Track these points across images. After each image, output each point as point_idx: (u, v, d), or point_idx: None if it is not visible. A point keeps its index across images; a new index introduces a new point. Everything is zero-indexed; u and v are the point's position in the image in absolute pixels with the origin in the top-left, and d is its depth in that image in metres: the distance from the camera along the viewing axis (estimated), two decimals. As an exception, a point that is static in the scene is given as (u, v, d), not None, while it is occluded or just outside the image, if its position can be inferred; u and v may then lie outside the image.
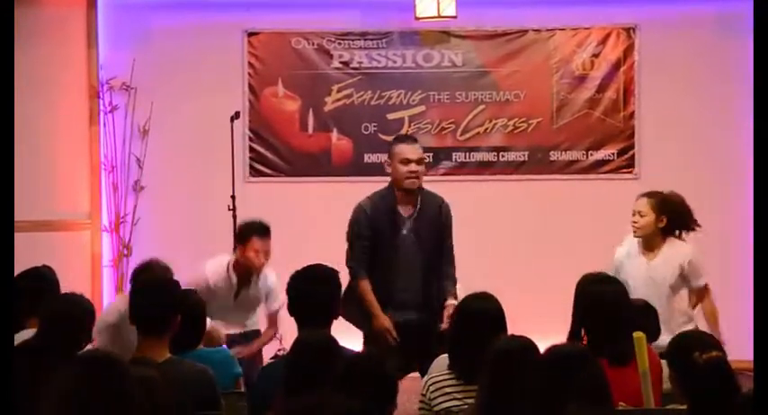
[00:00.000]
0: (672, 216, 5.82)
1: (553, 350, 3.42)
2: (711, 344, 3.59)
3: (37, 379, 3.73)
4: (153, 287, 4.38)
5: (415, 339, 5.58)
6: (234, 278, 6.08)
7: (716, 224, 8.10)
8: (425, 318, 5.69)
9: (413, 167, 5.71)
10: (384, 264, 5.72)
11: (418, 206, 5.77)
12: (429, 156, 8.44)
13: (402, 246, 5.72)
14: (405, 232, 5.73)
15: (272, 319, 6.26)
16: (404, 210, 5.77)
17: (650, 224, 5.80)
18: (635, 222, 5.82)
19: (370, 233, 5.75)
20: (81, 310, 4.34)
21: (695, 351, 3.46)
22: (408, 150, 5.75)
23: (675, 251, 5.81)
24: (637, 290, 5.51)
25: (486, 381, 3.48)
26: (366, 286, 5.72)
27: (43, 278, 5.11)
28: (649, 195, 5.90)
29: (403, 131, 8.41)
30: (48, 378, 2.98)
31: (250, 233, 6.06)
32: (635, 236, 5.86)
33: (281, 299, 5.85)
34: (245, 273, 6.10)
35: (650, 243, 5.83)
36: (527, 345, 3.59)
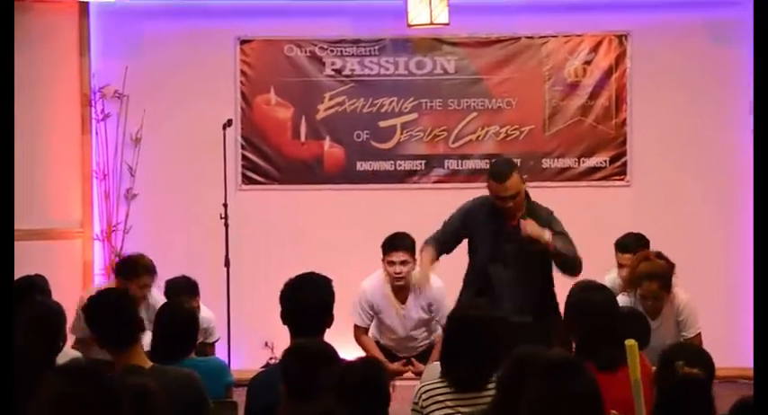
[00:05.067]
0: (671, 282, 5.77)
1: (545, 359, 3.43)
2: (702, 363, 3.62)
3: (19, 387, 3.72)
4: (108, 302, 4.34)
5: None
6: None
7: (709, 233, 8.17)
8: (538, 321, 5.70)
9: (507, 204, 5.69)
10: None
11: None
12: (421, 164, 8.48)
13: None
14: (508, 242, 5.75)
15: None
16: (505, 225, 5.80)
17: (665, 300, 5.73)
18: (650, 305, 5.69)
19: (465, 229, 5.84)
20: (56, 314, 4.37)
21: (680, 360, 3.50)
22: (500, 189, 5.69)
23: (672, 305, 5.77)
24: None
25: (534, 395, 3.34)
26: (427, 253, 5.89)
27: (35, 287, 5.12)
28: (657, 278, 5.68)
29: (395, 138, 8.44)
30: (29, 387, 2.97)
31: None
32: (651, 314, 5.70)
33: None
34: None
35: (656, 311, 5.76)
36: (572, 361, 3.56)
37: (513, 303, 5.63)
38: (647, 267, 5.73)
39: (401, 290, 6.49)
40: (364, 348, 6.42)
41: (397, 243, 6.42)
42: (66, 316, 4.54)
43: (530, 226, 5.59)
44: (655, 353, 5.41)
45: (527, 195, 5.83)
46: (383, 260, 6.44)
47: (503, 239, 5.74)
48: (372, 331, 6.67)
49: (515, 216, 5.70)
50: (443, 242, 5.90)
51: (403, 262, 6.38)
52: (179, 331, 4.64)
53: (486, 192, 5.81)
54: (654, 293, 5.68)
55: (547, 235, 5.61)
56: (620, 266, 6.43)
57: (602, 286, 4.57)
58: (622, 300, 5.60)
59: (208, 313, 6.57)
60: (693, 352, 3.75)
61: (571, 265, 5.68)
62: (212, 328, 6.56)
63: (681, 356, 3.60)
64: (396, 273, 6.40)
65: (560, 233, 5.73)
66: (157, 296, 6.17)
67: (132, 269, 6.08)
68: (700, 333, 5.83)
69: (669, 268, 5.79)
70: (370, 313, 6.54)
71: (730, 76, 8.27)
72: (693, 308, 5.81)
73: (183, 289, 6.32)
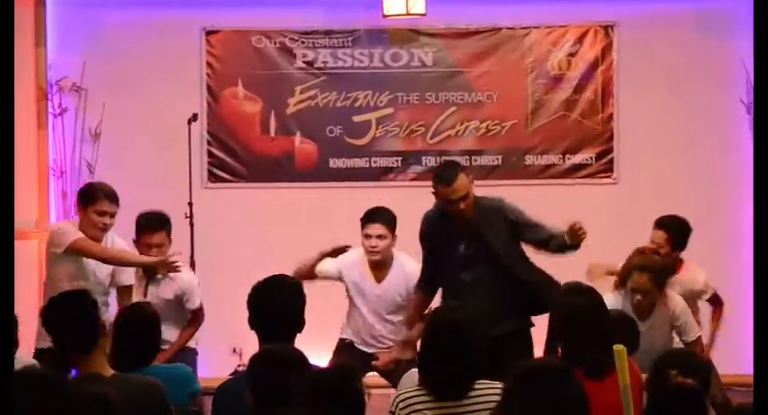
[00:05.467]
0: (667, 282, 5.84)
1: (530, 365, 3.44)
2: (697, 372, 3.63)
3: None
4: (67, 305, 4.32)
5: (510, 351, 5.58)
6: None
7: (701, 232, 8.18)
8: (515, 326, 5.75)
9: (459, 206, 5.72)
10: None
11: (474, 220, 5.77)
12: (397, 161, 8.48)
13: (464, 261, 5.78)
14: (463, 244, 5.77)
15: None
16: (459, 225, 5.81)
17: (655, 299, 5.78)
18: (639, 300, 5.74)
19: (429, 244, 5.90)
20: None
21: (675, 369, 3.51)
22: (449, 192, 5.73)
23: (666, 307, 5.82)
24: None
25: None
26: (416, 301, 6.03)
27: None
28: (646, 269, 5.75)
29: (370, 134, 8.43)
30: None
31: None
32: (637, 315, 5.73)
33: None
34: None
35: (645, 309, 5.81)
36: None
37: (487, 308, 5.61)
38: (641, 259, 5.81)
39: (378, 267, 6.49)
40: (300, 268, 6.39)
41: (375, 216, 6.47)
42: (17, 321, 4.50)
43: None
44: (644, 357, 5.46)
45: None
46: (362, 233, 6.48)
47: (462, 243, 5.75)
48: (343, 322, 6.64)
49: (468, 217, 5.73)
50: (428, 279, 5.94)
51: (379, 236, 6.41)
52: (140, 336, 4.62)
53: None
54: (643, 286, 5.72)
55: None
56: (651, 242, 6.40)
57: (589, 289, 4.59)
58: (610, 299, 5.61)
59: (187, 274, 6.54)
60: (688, 361, 3.76)
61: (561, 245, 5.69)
62: (191, 291, 6.50)
63: (674, 364, 3.61)
64: (371, 246, 6.42)
65: (527, 224, 5.77)
66: (118, 241, 6.22)
67: (92, 194, 6.08)
68: (700, 336, 5.92)
69: (665, 265, 5.85)
70: (337, 277, 6.54)
71: (722, 69, 8.31)
72: (689, 312, 5.87)
73: (154, 222, 6.36)
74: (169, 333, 6.28)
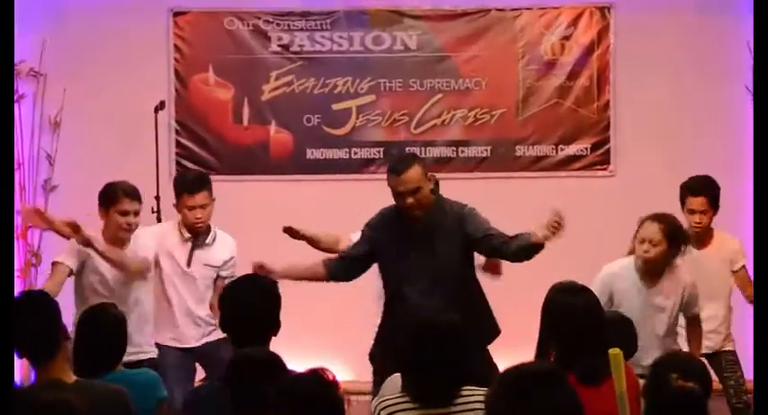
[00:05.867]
0: (679, 245, 5.89)
1: (519, 370, 3.42)
2: (696, 374, 3.63)
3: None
4: (29, 307, 4.30)
5: None
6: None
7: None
8: None
9: (407, 201, 5.67)
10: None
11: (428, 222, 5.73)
12: (379, 152, 8.46)
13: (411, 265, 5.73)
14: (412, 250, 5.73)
15: None
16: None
17: (662, 253, 5.84)
18: (646, 252, 5.83)
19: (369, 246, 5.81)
20: None
21: (674, 373, 3.51)
22: (398, 182, 5.69)
23: (677, 280, 5.90)
24: (634, 320, 5.60)
25: None
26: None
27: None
28: (658, 219, 5.90)
29: (350, 123, 8.42)
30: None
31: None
32: (645, 267, 5.86)
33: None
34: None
35: (654, 272, 5.89)
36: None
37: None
38: (656, 214, 5.93)
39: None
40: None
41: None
42: None
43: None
44: (649, 328, 5.52)
45: (436, 189, 5.80)
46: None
47: (410, 247, 5.71)
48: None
49: (418, 217, 5.67)
50: (342, 262, 5.84)
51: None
52: (104, 339, 4.59)
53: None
54: (653, 234, 5.79)
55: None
56: (692, 212, 6.53)
57: (584, 288, 4.57)
58: (624, 264, 5.86)
59: (230, 238, 6.62)
60: (688, 364, 3.75)
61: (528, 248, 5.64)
62: (234, 256, 6.54)
63: (674, 368, 3.60)
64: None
65: (483, 237, 5.72)
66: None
67: (112, 194, 6.10)
68: (699, 313, 6.03)
69: (680, 225, 5.93)
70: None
71: (725, 53, 8.32)
72: (696, 287, 5.95)
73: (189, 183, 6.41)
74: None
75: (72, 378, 4.15)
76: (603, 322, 4.47)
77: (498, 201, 8.37)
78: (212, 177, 8.35)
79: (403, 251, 5.71)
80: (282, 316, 4.46)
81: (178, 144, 8.41)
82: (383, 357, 5.62)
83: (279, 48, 8.46)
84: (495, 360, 5.68)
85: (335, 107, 8.50)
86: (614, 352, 3.63)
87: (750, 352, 4.61)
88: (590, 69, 8.47)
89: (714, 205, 6.49)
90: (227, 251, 6.52)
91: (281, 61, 8.46)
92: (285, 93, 8.47)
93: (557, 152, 8.49)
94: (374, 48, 8.49)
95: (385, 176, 8.48)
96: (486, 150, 8.49)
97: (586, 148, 8.49)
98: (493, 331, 5.84)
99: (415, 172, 5.66)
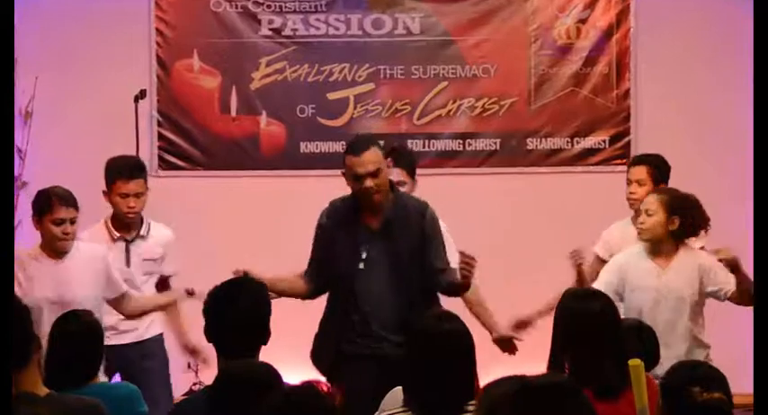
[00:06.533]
0: (685, 218, 5.91)
1: (530, 383, 3.43)
2: (719, 383, 3.63)
3: None
4: None
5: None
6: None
7: (730, 225, 8.17)
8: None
9: (366, 184, 5.67)
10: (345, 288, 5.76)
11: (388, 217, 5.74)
12: (380, 144, 8.44)
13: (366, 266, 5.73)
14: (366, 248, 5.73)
15: None
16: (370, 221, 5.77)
17: (660, 224, 5.87)
18: (641, 223, 5.91)
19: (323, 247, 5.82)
20: None
21: (696, 386, 3.50)
22: (357, 163, 5.71)
23: (692, 259, 5.91)
24: (648, 307, 5.60)
25: None
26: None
27: None
28: (658, 191, 6.02)
29: (347, 114, 8.42)
30: None
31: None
32: (640, 239, 5.94)
33: None
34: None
35: (658, 249, 5.91)
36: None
37: (384, 322, 5.65)
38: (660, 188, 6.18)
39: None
40: None
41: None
42: None
43: None
44: (665, 306, 5.53)
45: (392, 185, 5.80)
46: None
47: (364, 240, 5.71)
48: None
49: (378, 202, 5.66)
50: (312, 275, 5.85)
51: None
52: (79, 348, 4.60)
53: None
54: (648, 204, 5.88)
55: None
56: (628, 182, 6.62)
57: (599, 293, 4.59)
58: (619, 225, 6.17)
59: (165, 230, 6.60)
60: (707, 373, 3.74)
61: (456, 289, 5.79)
62: (172, 249, 6.55)
63: (694, 380, 3.59)
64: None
65: (437, 246, 5.77)
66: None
67: (44, 202, 6.01)
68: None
69: (686, 195, 5.97)
70: None
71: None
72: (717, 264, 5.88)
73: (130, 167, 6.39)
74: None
75: (44, 391, 4.15)
76: (621, 329, 4.47)
77: (508, 198, 8.43)
78: (198, 172, 8.46)
79: (358, 248, 5.70)
80: (272, 323, 4.46)
81: (160, 136, 8.42)
82: (323, 355, 5.73)
83: (270, 32, 8.46)
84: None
85: (331, 96, 8.50)
86: (634, 363, 3.64)
87: (750, 352, 4.62)
88: (608, 55, 8.48)
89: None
90: (162, 245, 6.49)
91: (272, 46, 8.47)
92: (276, 81, 8.48)
93: (572, 145, 8.50)
94: (373, 32, 8.50)
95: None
96: (495, 143, 8.49)
97: (604, 141, 8.50)
98: None
99: (374, 154, 5.68)
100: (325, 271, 5.80)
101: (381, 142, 6.53)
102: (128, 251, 6.40)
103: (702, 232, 6.01)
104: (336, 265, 5.76)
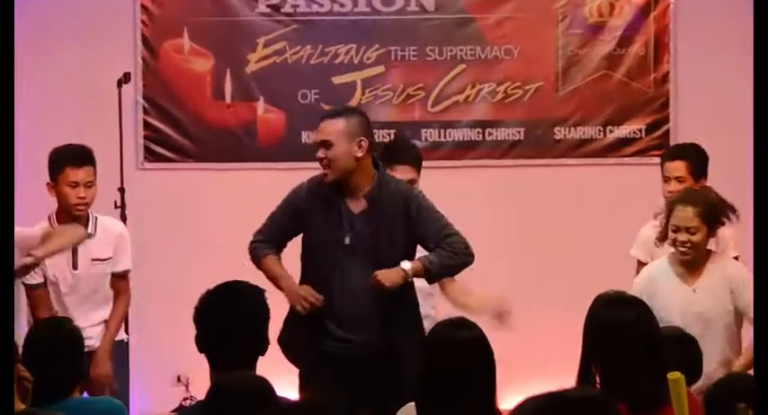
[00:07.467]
0: (720, 222, 5.98)
1: (558, 398, 3.45)
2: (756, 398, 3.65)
3: None
4: None
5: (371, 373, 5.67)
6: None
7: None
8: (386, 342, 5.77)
9: (317, 154, 5.77)
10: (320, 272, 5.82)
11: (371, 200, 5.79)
12: (389, 134, 8.47)
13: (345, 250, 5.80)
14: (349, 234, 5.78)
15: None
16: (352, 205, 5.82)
17: (705, 240, 5.91)
18: (685, 243, 5.87)
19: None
20: None
21: (741, 401, 3.52)
22: (317, 130, 5.85)
23: (720, 270, 5.94)
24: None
25: None
26: (271, 261, 5.90)
27: None
28: (692, 203, 5.96)
29: (354, 100, 8.44)
30: None
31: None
32: (684, 258, 5.91)
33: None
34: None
35: (695, 264, 5.94)
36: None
37: (359, 318, 5.71)
38: (683, 193, 6.09)
39: None
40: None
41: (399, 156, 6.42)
42: None
43: (383, 277, 5.66)
44: (697, 328, 5.55)
45: (376, 163, 5.87)
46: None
47: (344, 225, 5.77)
48: None
49: (327, 176, 5.75)
50: (270, 239, 5.96)
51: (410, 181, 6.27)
52: (58, 359, 4.62)
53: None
54: (687, 221, 5.83)
55: (406, 270, 5.69)
56: (666, 180, 6.62)
57: (635, 300, 4.59)
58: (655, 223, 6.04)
59: (115, 224, 6.62)
60: (749, 387, 3.76)
61: (458, 268, 5.87)
62: (125, 244, 6.55)
63: (738, 395, 3.61)
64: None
65: (428, 222, 5.80)
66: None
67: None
68: None
69: (714, 200, 5.97)
70: None
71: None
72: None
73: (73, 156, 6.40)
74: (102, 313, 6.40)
75: (20, 407, 4.17)
76: (658, 338, 4.48)
77: (533, 193, 8.44)
78: (188, 165, 8.48)
79: (336, 233, 5.76)
80: (271, 333, 4.48)
81: (146, 125, 8.43)
82: (290, 343, 5.76)
83: (268, 9, 8.48)
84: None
85: (336, 80, 8.52)
86: (674, 377, 3.65)
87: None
88: (645, 34, 8.49)
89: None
90: (113, 243, 6.48)
91: (270, 25, 8.49)
92: (275, 64, 8.50)
93: (604, 134, 8.51)
94: (383, 10, 8.51)
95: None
96: (519, 132, 8.51)
97: (640, 130, 8.51)
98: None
99: (336, 124, 5.78)
100: (286, 240, 5.93)
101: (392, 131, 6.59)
102: (74, 252, 6.34)
103: (734, 217, 6.01)
104: (314, 247, 5.82)
